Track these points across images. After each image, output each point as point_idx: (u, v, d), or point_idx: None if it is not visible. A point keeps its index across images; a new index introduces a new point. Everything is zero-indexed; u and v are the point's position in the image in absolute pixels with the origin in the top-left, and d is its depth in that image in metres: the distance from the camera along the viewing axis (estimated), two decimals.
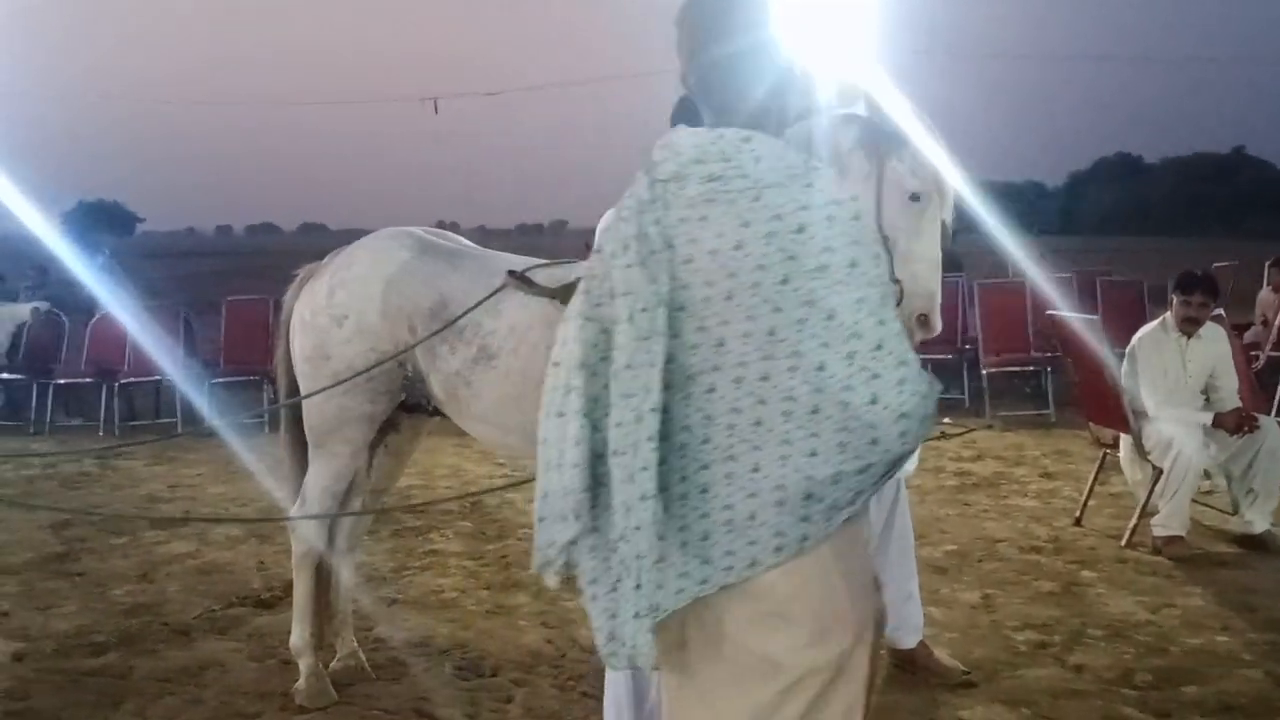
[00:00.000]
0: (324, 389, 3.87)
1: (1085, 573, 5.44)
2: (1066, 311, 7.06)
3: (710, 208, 1.96)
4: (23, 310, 11.09)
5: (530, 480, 2.22)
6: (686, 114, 2.24)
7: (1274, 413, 7.58)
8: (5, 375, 10.74)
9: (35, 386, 10.45)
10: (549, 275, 3.80)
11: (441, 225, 6.22)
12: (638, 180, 2.05)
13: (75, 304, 11.33)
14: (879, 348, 1.88)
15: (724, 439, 1.96)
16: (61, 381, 10.44)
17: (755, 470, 1.94)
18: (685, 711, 2.09)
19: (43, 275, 12.39)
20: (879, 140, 2.85)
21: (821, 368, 1.89)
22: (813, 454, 1.91)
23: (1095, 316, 6.78)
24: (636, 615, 1.94)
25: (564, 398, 2.03)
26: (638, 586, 1.93)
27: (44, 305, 11.20)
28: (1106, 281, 11.48)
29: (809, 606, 1.98)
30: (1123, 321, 8.48)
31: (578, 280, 3.67)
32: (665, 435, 1.94)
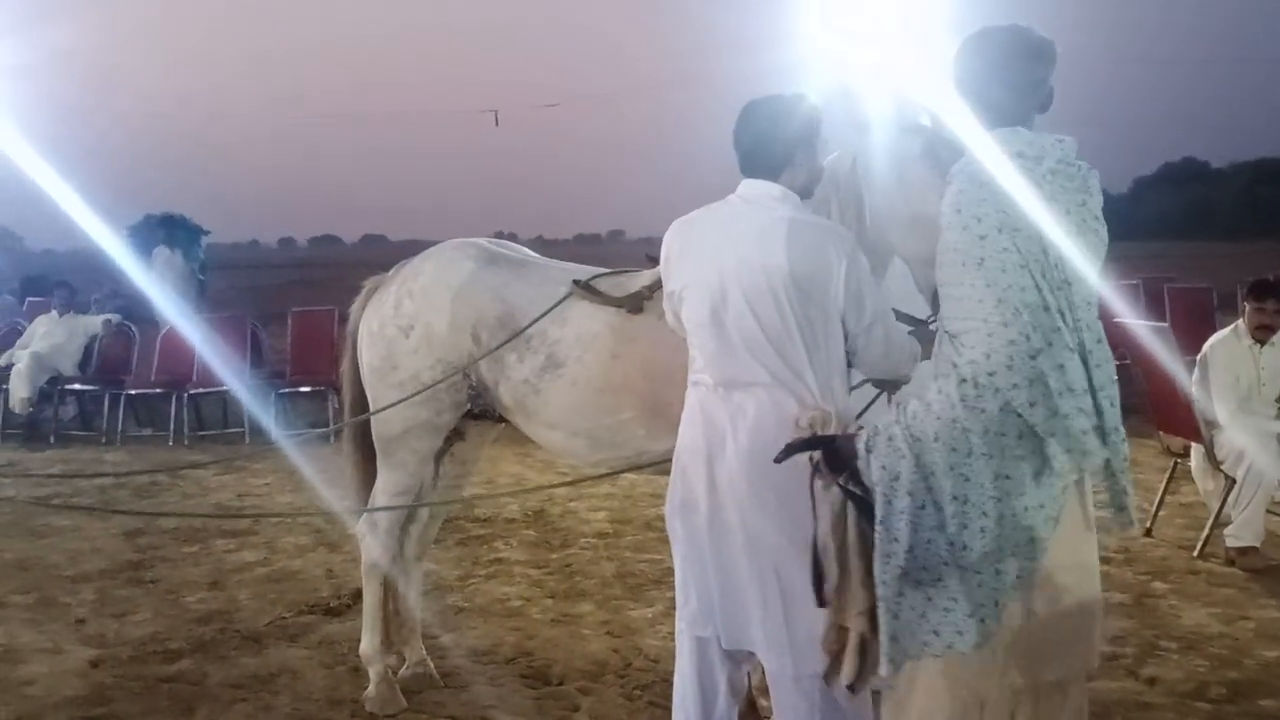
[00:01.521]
0: (396, 403, 3.92)
1: (1157, 584, 5.36)
2: (1134, 319, 6.95)
3: None
4: (95, 322, 11.32)
5: (584, 480, 2.30)
6: None
7: None
8: (78, 386, 10.98)
9: (107, 397, 10.67)
10: (613, 284, 3.85)
11: (500, 236, 6.28)
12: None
13: (145, 315, 11.54)
14: None
15: None
16: (132, 392, 10.65)
17: None
18: None
19: (112, 287, 12.63)
20: (942, 150, 2.84)
21: None
22: None
23: (1164, 324, 6.67)
24: None
25: None
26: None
27: (115, 317, 11.43)
28: (1174, 288, 11.29)
29: None
30: (1191, 328, 8.33)
31: (642, 289, 3.74)
32: None
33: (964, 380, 2.38)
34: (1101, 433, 2.41)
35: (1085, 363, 2.40)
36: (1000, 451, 2.37)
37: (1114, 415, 2.43)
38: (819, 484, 2.58)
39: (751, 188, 2.95)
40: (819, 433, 2.65)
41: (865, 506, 2.47)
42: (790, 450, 2.58)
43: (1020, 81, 2.53)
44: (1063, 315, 2.39)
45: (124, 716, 4.15)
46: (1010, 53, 2.54)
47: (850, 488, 2.51)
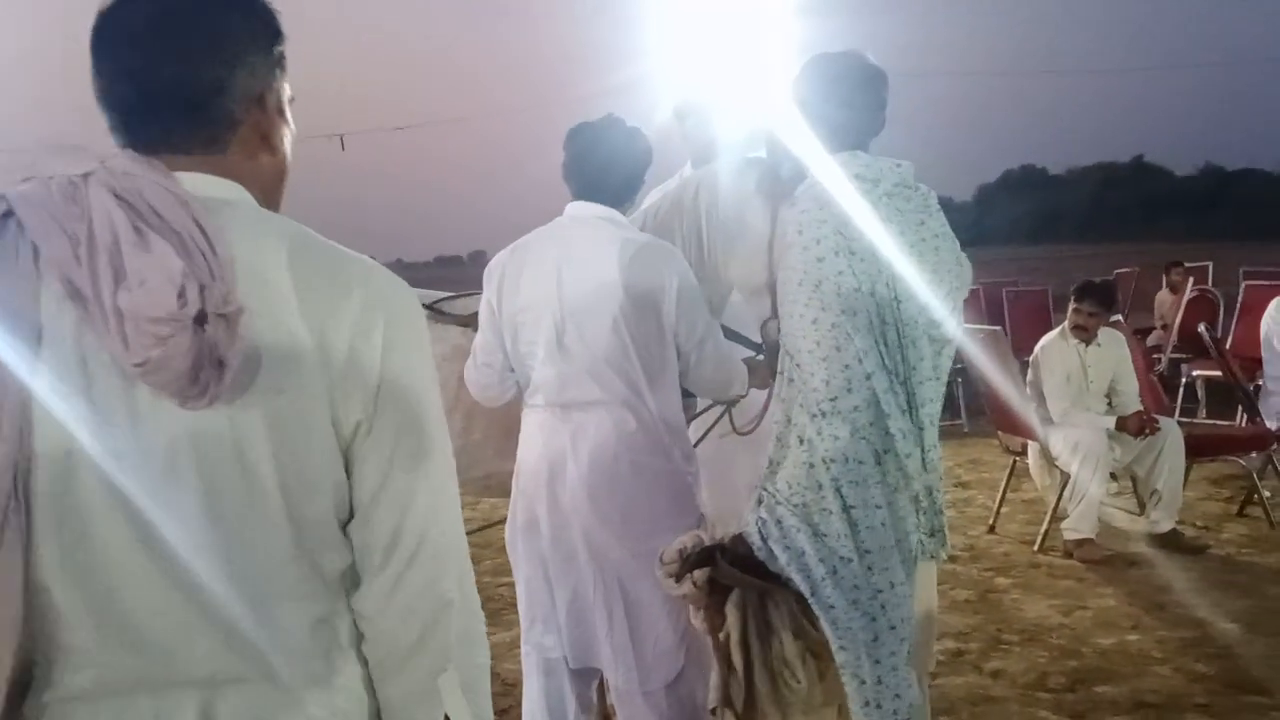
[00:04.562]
0: None
1: (1000, 579, 5.55)
2: (971, 324, 7.23)
3: None
4: None
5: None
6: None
7: (1175, 414, 7.81)
8: None
9: None
10: (461, 305, 3.82)
11: None
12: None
13: None
14: None
15: None
16: None
17: None
18: None
19: None
20: (777, 183, 2.90)
21: None
22: None
23: (997, 328, 6.94)
24: None
25: None
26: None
27: None
28: (1012, 291, 11.73)
29: None
30: (1030, 330, 8.68)
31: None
32: None
33: (815, 415, 2.43)
34: (921, 454, 2.49)
35: (908, 383, 2.48)
36: (862, 478, 2.43)
37: (932, 434, 2.51)
38: (707, 598, 2.56)
39: (582, 209, 2.96)
40: (702, 546, 2.62)
41: (783, 591, 2.48)
42: (686, 570, 2.57)
43: (858, 104, 2.60)
44: (892, 336, 2.46)
45: None
46: (847, 77, 2.62)
47: (758, 582, 2.51)
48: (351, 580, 1.29)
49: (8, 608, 1.14)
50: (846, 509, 2.44)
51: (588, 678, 3.06)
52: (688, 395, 3.07)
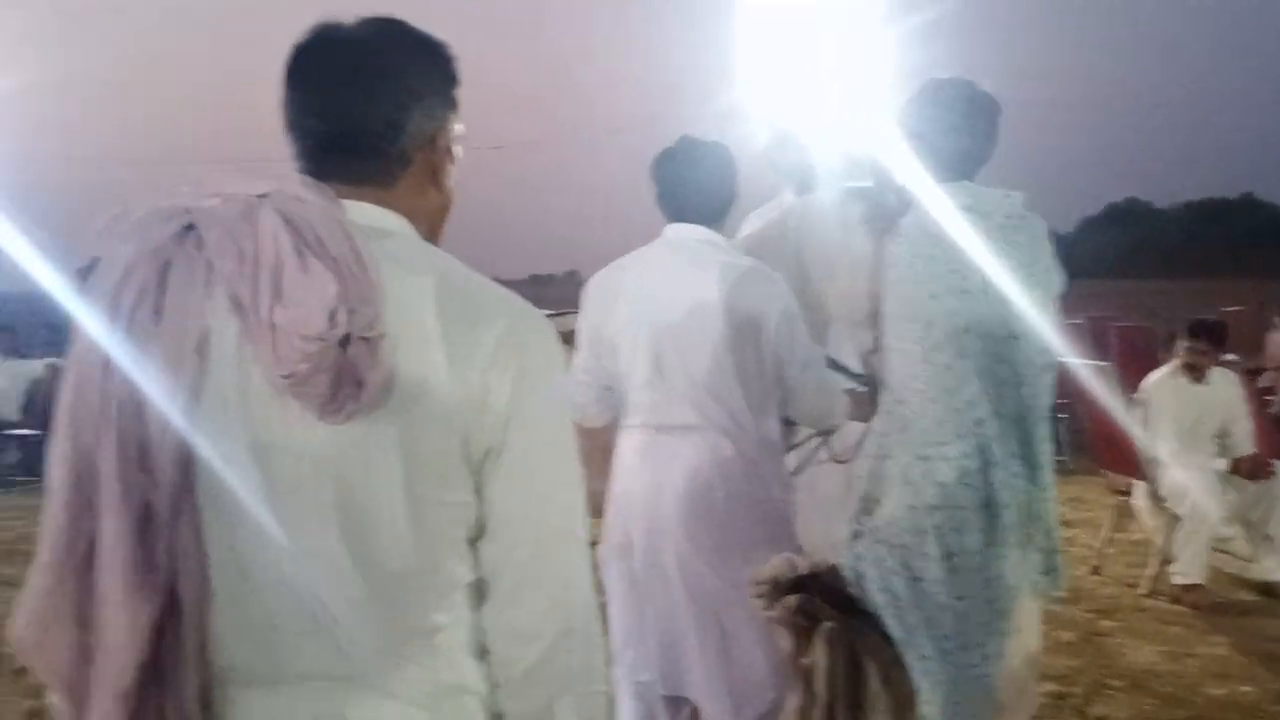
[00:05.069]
0: None
1: (1104, 622, 5.38)
2: (1077, 358, 7.04)
3: None
4: (36, 366, 11.15)
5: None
6: None
7: None
8: (21, 431, 10.78)
9: (48, 442, 10.47)
10: (559, 323, 3.83)
11: None
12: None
13: None
14: None
15: None
16: None
17: None
18: None
19: (54, 332, 12.47)
20: (883, 214, 2.84)
21: None
22: None
23: (1105, 363, 6.75)
24: None
25: None
26: None
27: (59, 361, 11.26)
28: (1119, 327, 11.45)
29: None
30: (1137, 367, 8.44)
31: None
32: None
33: (921, 457, 2.36)
34: (1037, 494, 2.40)
35: (1023, 423, 2.39)
36: (966, 525, 2.36)
37: (1048, 473, 2.43)
38: (796, 624, 2.51)
39: (682, 231, 2.94)
40: (795, 575, 2.57)
41: (873, 630, 2.42)
42: (777, 595, 2.52)
43: (968, 132, 2.53)
44: (1007, 375, 2.38)
45: None
46: (958, 105, 2.55)
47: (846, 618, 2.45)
48: (480, 595, 1.34)
49: (190, 586, 1.23)
50: (947, 556, 2.37)
51: (680, 705, 3.01)
52: (787, 424, 3.03)
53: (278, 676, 1.28)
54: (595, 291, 3.00)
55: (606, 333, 2.95)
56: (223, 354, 1.25)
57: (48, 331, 12.51)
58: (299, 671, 1.28)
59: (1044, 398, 2.43)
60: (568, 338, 3.66)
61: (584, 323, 3.02)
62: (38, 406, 10.94)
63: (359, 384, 1.20)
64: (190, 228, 1.27)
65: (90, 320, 1.26)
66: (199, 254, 1.25)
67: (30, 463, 10.91)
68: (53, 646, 1.28)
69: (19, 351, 11.44)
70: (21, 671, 4.73)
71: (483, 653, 1.34)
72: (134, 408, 1.23)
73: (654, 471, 2.87)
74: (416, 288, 1.28)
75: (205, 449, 1.24)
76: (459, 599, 1.32)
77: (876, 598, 2.39)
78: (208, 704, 1.26)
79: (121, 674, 1.23)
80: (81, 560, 1.25)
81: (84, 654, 1.26)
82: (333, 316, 1.17)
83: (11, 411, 10.77)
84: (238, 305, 1.23)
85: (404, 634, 1.29)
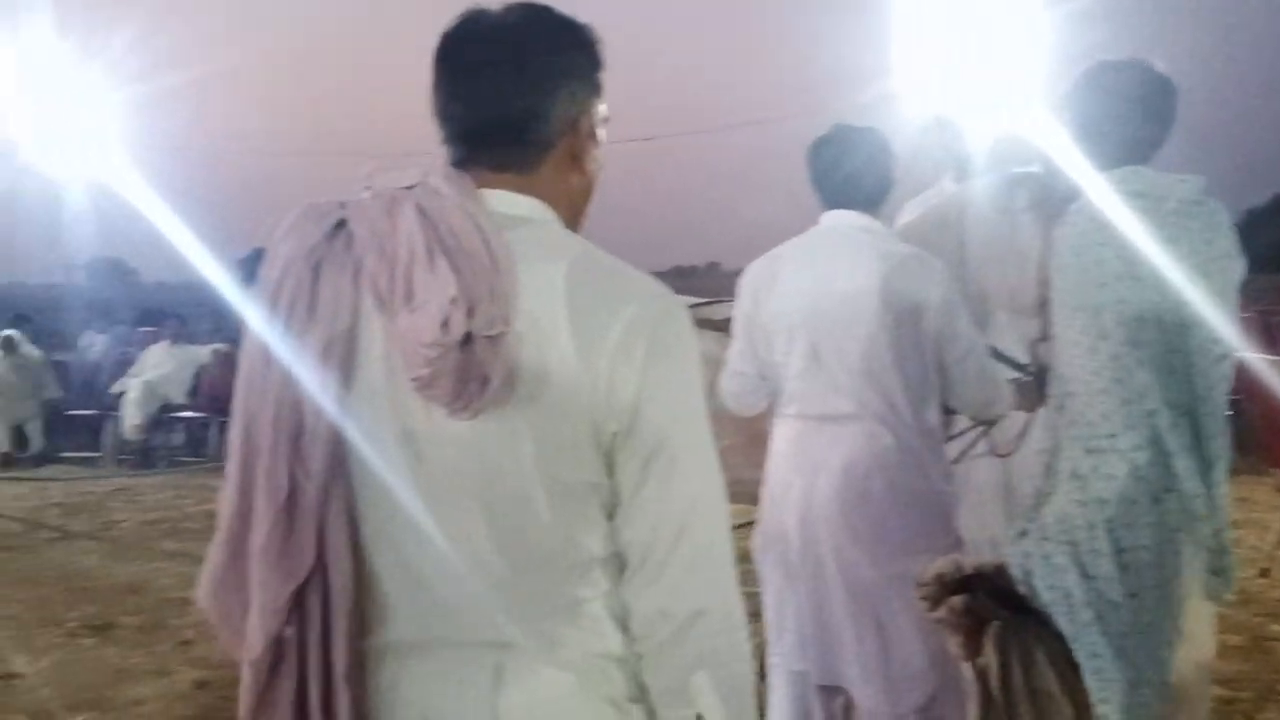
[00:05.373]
0: None
1: (1274, 626, 5.16)
2: (1248, 352, 6.74)
3: None
4: (203, 352, 11.66)
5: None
6: None
7: None
8: (187, 413, 11.31)
9: (214, 424, 10.98)
10: (707, 312, 3.86)
11: None
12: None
13: None
14: None
15: None
16: None
17: None
18: None
19: (219, 319, 13.02)
20: (1050, 199, 2.77)
21: None
22: None
23: (1277, 358, 6.45)
24: None
25: None
26: None
27: (223, 347, 11.77)
28: None
29: None
30: None
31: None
32: None
33: (1090, 450, 2.30)
34: (1209, 491, 2.31)
35: (1195, 416, 2.30)
36: (1138, 520, 2.29)
37: (1220, 470, 2.33)
38: (964, 625, 2.47)
39: (840, 218, 2.91)
40: (964, 573, 2.53)
41: (1044, 629, 2.38)
42: (943, 596, 2.49)
43: (1142, 118, 2.43)
44: (1179, 365, 2.30)
45: None
46: (1130, 89, 2.45)
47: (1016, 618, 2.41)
48: (620, 569, 1.38)
49: (340, 568, 1.30)
50: (1118, 551, 2.29)
51: (834, 694, 3.00)
52: (947, 413, 2.98)
53: (433, 645, 1.35)
54: (751, 280, 3.00)
55: (762, 321, 2.94)
56: (370, 348, 1.31)
57: (214, 318, 13.08)
58: (455, 640, 1.34)
59: (1219, 390, 2.33)
60: (719, 325, 3.68)
61: (739, 311, 3.02)
62: (204, 391, 11.44)
63: (484, 381, 1.23)
64: (342, 224, 1.34)
65: (255, 314, 1.34)
66: (348, 253, 1.32)
67: (196, 444, 11.45)
68: (229, 616, 1.37)
69: (187, 338, 11.97)
70: (189, 643, 4.95)
71: (626, 624, 1.37)
72: (290, 399, 1.30)
73: (810, 461, 2.86)
74: (548, 276, 1.30)
75: (356, 438, 1.31)
76: (599, 573, 1.36)
77: (1045, 596, 2.33)
78: (359, 677, 1.33)
79: (253, 645, 1.31)
80: (246, 539, 1.34)
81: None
82: (446, 323, 1.21)
83: (179, 395, 11.29)
84: (381, 303, 1.29)
85: (550, 606, 1.34)
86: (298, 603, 1.29)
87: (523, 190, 1.39)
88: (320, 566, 1.29)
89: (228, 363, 11.49)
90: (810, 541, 2.86)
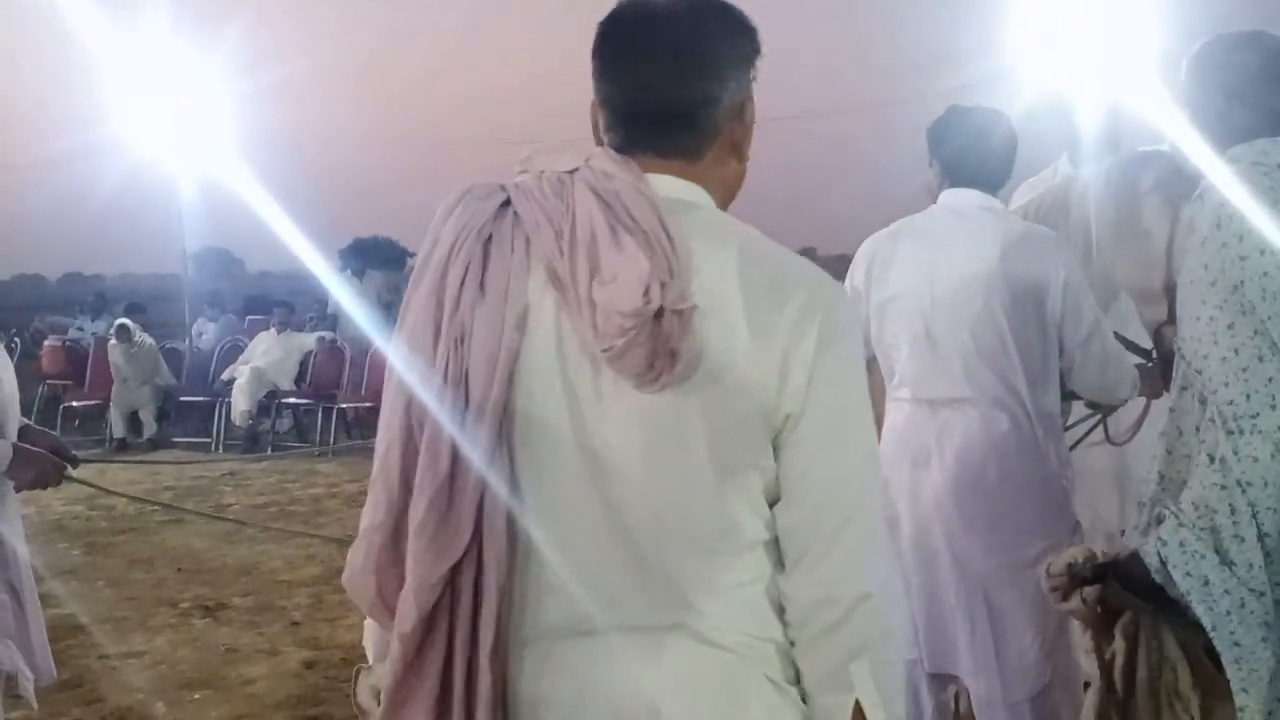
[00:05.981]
0: None
1: None
2: None
3: None
4: (309, 339, 11.91)
5: None
6: None
7: None
8: (294, 400, 11.56)
9: (320, 411, 11.20)
10: None
11: None
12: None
13: (357, 334, 12.06)
14: None
15: None
16: (344, 405, 11.14)
17: None
18: None
19: (323, 308, 13.27)
20: (1176, 180, 2.66)
21: None
22: None
23: None
24: None
25: None
26: None
27: (329, 334, 12.00)
28: None
29: None
30: None
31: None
32: None
33: (1231, 432, 2.19)
34: None
35: None
36: (1278, 502, 2.18)
37: None
38: (1096, 617, 2.39)
39: (958, 197, 2.83)
40: (1096, 563, 2.45)
41: (1181, 620, 2.29)
42: (1074, 587, 2.41)
43: (1261, 97, 2.30)
44: None
45: (337, 717, 4.30)
46: (1249, 65, 2.32)
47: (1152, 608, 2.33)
48: (778, 553, 1.36)
49: (495, 546, 1.30)
50: (1261, 537, 2.18)
51: (945, 683, 2.93)
52: (1066, 398, 2.89)
53: (590, 628, 1.33)
54: (865, 257, 2.92)
55: (876, 300, 2.87)
56: (541, 325, 1.32)
57: (319, 306, 13.34)
58: (613, 624, 1.32)
59: None
60: None
61: (851, 289, 2.96)
62: (309, 377, 11.68)
63: (673, 355, 1.24)
64: (507, 204, 1.35)
65: (418, 291, 1.36)
66: (517, 231, 1.33)
67: (302, 430, 11.70)
68: (383, 590, 1.38)
69: (295, 325, 12.22)
70: (298, 624, 5.04)
71: (784, 608, 1.36)
72: (455, 374, 1.31)
73: (923, 445, 2.79)
74: (720, 260, 1.31)
75: (524, 415, 1.31)
76: (760, 556, 1.35)
77: (1182, 584, 2.23)
78: (503, 656, 1.32)
79: (405, 619, 1.31)
80: (403, 518, 1.34)
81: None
82: (647, 292, 1.22)
83: (286, 382, 11.53)
84: (555, 279, 1.30)
85: (712, 586, 1.32)
86: (451, 579, 1.30)
87: (686, 176, 1.39)
88: (476, 544, 1.30)
89: (333, 350, 11.74)
90: (922, 529, 2.79)
